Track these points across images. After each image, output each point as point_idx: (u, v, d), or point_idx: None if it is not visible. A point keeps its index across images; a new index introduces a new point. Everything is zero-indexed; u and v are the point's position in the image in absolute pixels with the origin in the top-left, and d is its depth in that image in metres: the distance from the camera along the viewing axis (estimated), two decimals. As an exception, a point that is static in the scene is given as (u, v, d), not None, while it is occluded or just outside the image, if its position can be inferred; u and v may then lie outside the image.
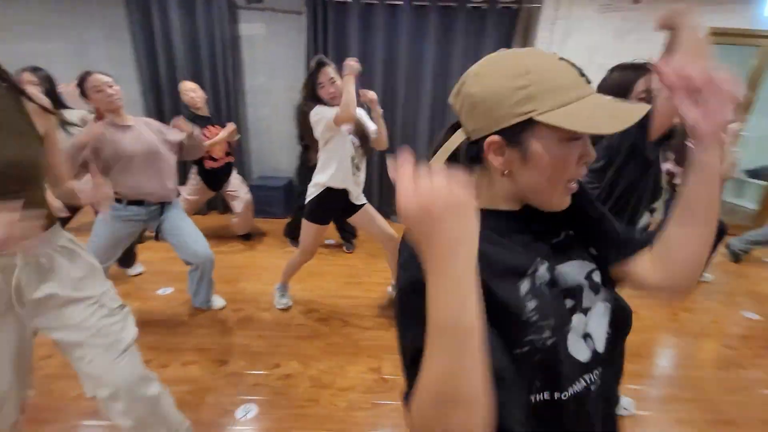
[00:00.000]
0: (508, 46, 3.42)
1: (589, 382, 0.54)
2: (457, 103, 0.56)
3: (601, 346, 0.56)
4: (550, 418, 0.52)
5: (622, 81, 1.30)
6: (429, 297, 0.39)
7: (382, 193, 3.89)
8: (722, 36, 3.38)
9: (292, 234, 3.13)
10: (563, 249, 0.59)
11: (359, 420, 1.57)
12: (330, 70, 1.85)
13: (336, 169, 1.91)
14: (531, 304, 0.51)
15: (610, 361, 0.57)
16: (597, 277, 0.59)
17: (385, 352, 1.98)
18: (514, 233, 0.56)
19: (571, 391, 0.52)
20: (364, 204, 2.12)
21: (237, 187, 3.08)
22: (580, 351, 0.53)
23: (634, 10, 3.34)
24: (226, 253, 3.02)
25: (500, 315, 0.48)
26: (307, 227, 2.05)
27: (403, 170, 0.39)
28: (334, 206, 2.05)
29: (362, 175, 2.06)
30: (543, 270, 0.54)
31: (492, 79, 0.51)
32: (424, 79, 3.52)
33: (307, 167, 2.83)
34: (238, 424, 1.54)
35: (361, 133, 1.97)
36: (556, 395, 0.51)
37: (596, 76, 3.32)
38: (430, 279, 0.39)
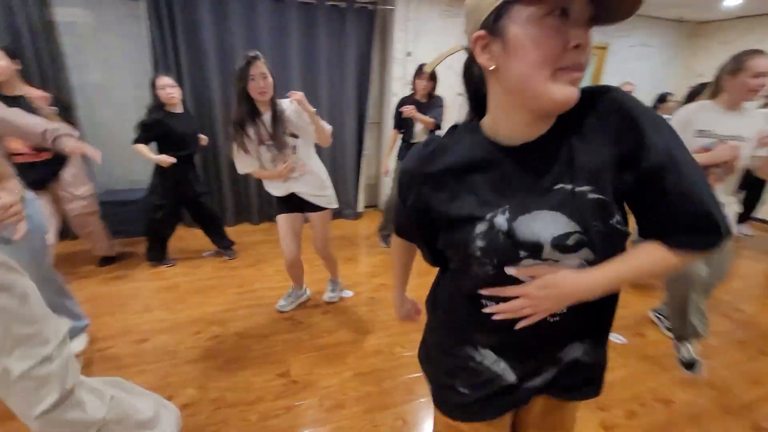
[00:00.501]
0: (369, 44, 3.61)
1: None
2: (465, 20, 0.57)
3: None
4: (500, 329, 0.65)
5: None
6: None
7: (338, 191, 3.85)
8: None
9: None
10: (542, 200, 0.57)
11: (276, 427, 1.53)
12: (261, 65, 1.74)
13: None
14: (479, 243, 0.58)
15: (583, 304, 0.60)
16: (574, 240, 0.56)
17: (290, 354, 1.94)
18: (499, 168, 0.59)
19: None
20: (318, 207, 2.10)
21: (71, 186, 2.44)
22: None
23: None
24: (82, 283, 2.51)
25: (454, 243, 0.62)
26: None
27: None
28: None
29: (304, 176, 2.00)
30: (502, 219, 0.57)
31: None
32: (290, 77, 3.46)
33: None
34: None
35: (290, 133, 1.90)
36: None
37: (445, 76, 3.78)
38: None
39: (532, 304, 0.59)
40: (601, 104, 0.56)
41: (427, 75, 2.85)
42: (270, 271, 2.81)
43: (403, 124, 2.99)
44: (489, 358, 0.71)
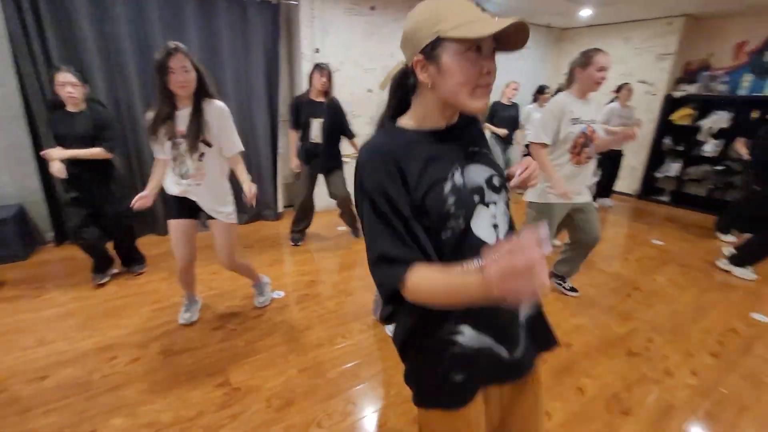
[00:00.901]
0: (276, 40, 3.52)
1: None
2: (401, 44, 0.74)
3: (502, 235, 0.78)
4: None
5: None
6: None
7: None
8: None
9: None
10: (471, 157, 0.78)
11: (222, 438, 1.47)
12: (183, 57, 1.61)
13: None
14: (451, 200, 0.71)
15: None
16: (497, 181, 0.79)
17: (227, 363, 1.86)
18: (439, 144, 0.76)
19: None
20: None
21: None
22: (488, 236, 0.75)
23: (372, 15, 4.02)
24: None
25: (433, 211, 0.70)
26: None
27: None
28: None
29: (201, 186, 1.88)
30: (458, 174, 0.74)
31: (415, 17, 0.71)
32: (192, 71, 3.22)
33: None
34: None
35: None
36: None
37: (353, 72, 3.91)
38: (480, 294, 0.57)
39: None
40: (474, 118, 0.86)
41: (327, 72, 2.86)
42: (189, 282, 2.61)
43: (299, 124, 2.96)
44: (472, 336, 0.76)
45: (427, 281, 0.66)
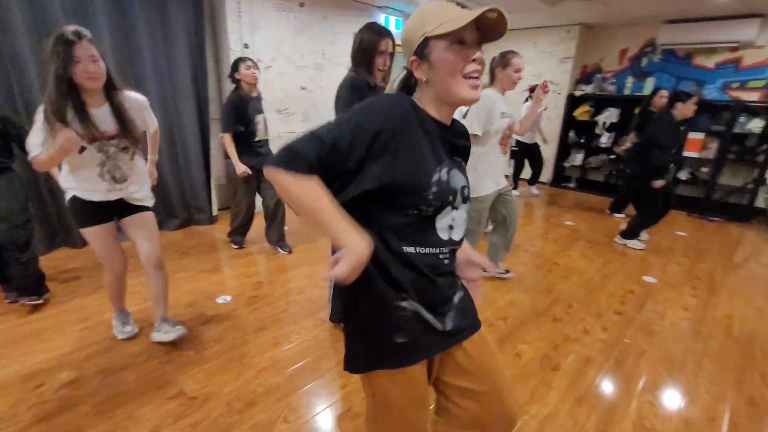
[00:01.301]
0: (201, 35, 3.34)
1: (440, 252, 0.86)
2: (402, 51, 0.85)
3: (456, 237, 0.88)
4: (410, 263, 0.83)
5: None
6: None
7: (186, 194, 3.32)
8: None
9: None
10: (456, 163, 0.88)
11: (184, 448, 1.43)
12: (89, 45, 1.44)
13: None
14: (434, 189, 0.79)
15: (454, 250, 0.90)
16: (466, 191, 0.88)
17: (177, 373, 1.78)
18: (438, 136, 0.84)
19: (427, 251, 0.84)
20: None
21: None
22: (443, 231, 0.85)
23: (301, 11, 3.99)
24: None
25: (413, 187, 0.78)
26: None
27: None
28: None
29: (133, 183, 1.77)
30: (445, 170, 0.82)
31: (408, 25, 0.81)
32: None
33: None
34: None
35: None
36: (418, 249, 0.83)
37: (285, 68, 3.89)
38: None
39: None
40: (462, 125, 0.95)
41: (254, 63, 2.75)
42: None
43: (246, 123, 2.79)
44: (412, 305, 0.84)
45: (310, 190, 0.72)
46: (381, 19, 4.76)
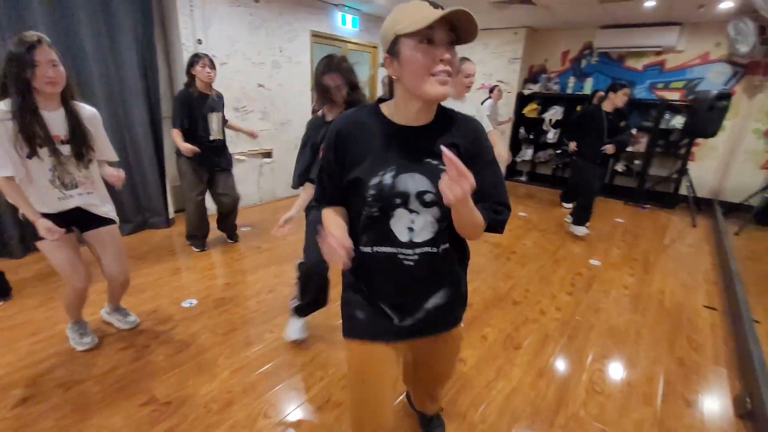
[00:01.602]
0: (148, 29, 3.18)
1: (399, 253, 0.91)
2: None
3: (418, 239, 0.89)
4: (367, 260, 0.94)
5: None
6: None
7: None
8: (316, 37, 4.60)
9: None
10: (417, 165, 0.85)
11: (163, 453, 1.40)
12: (49, 49, 1.41)
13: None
14: (372, 191, 0.85)
15: (431, 254, 0.90)
16: (428, 197, 0.85)
17: (148, 380, 1.73)
18: (394, 140, 0.87)
19: (386, 251, 0.91)
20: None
21: None
22: (401, 233, 0.89)
23: (257, 8, 3.91)
24: None
25: (356, 191, 0.88)
26: None
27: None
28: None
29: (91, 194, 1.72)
30: (389, 176, 0.85)
31: (383, 25, 0.84)
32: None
33: None
34: None
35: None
36: (374, 248, 0.92)
37: (240, 65, 3.85)
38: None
39: None
40: (467, 126, 0.91)
41: (210, 62, 2.70)
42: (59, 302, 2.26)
43: (191, 120, 2.71)
44: (372, 292, 0.98)
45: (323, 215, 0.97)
46: (337, 17, 4.77)
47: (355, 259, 0.87)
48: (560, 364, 1.95)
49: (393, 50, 0.81)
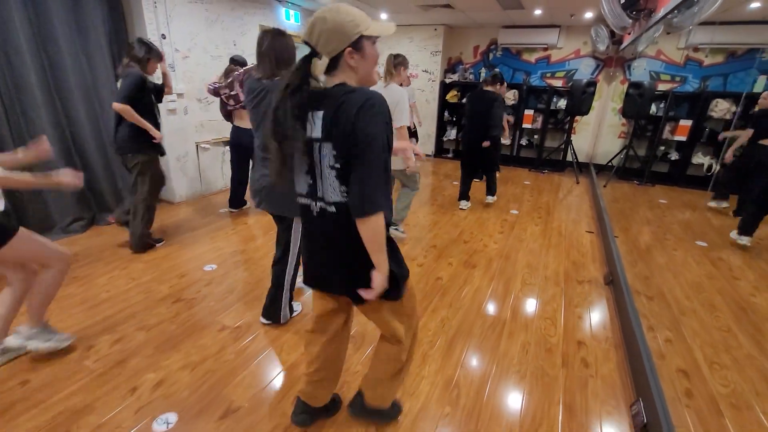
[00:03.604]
0: (118, 24, 3.34)
1: (309, 204, 1.11)
2: (313, 39, 0.97)
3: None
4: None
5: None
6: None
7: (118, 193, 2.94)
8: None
9: None
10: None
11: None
12: None
13: None
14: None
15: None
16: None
17: (214, 315, 2.20)
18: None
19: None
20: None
21: None
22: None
23: (211, 3, 4.16)
24: None
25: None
26: None
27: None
28: None
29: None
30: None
31: (338, 19, 0.95)
32: (19, 65, 2.80)
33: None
34: None
35: None
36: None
37: (200, 58, 4.34)
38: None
39: None
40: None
41: (162, 57, 2.80)
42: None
43: (144, 100, 2.66)
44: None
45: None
46: (281, 12, 5.15)
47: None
48: (503, 273, 2.86)
49: (357, 45, 0.99)
